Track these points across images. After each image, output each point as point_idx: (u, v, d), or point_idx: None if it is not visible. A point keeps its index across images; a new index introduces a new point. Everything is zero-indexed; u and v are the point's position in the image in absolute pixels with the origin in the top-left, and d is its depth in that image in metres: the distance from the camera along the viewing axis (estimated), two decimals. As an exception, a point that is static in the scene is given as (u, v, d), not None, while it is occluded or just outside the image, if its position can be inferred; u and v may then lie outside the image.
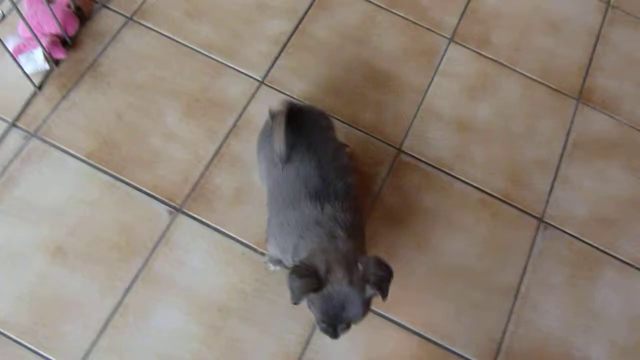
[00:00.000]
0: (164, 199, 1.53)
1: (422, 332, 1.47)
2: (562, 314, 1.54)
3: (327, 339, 1.38)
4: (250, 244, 1.50)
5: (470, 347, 1.47)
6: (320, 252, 1.14)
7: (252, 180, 1.57)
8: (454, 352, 1.46)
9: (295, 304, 1.09)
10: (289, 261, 1.23)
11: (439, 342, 1.46)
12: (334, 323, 1.14)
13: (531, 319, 1.52)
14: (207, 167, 1.58)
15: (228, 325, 1.42)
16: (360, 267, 1.11)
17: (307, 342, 1.42)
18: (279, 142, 1.24)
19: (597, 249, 1.63)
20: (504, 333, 1.50)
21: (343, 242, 1.16)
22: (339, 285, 1.08)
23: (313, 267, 1.10)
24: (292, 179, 1.25)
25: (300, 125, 1.28)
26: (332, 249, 1.15)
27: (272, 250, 1.38)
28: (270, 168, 1.31)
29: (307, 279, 1.08)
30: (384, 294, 1.10)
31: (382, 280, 1.11)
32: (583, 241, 1.63)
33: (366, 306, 1.13)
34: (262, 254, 1.49)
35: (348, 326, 1.16)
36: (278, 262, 1.44)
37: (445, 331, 1.48)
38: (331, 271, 1.09)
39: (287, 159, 1.25)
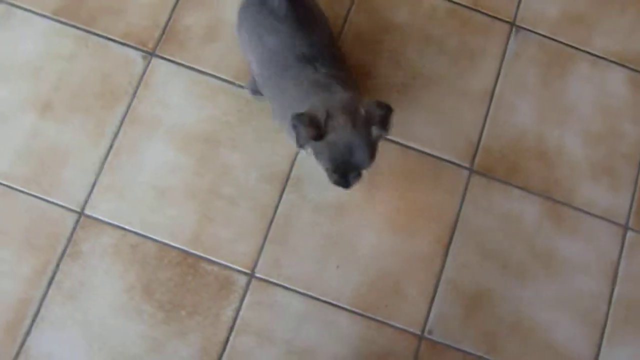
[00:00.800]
0: (136, 45, 1.55)
1: (401, 141, 1.54)
2: (537, 111, 1.60)
3: (311, 158, 1.48)
4: (228, 78, 1.54)
5: (449, 150, 1.55)
6: (320, 103, 1.15)
7: (221, 17, 1.57)
8: (435, 156, 1.55)
9: (301, 146, 1.13)
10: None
11: (419, 148, 1.54)
12: (345, 171, 1.17)
13: (506, 119, 1.59)
14: (174, 9, 1.58)
15: (217, 154, 1.50)
16: (362, 111, 1.13)
17: (293, 161, 1.51)
18: None
19: (570, 46, 1.65)
20: (481, 134, 1.57)
21: (341, 93, 1.18)
22: (342, 130, 1.11)
23: (314, 115, 1.12)
24: (279, 48, 1.24)
25: None
26: (332, 100, 1.16)
27: (284, 128, 1.40)
28: (256, 42, 1.30)
29: (307, 126, 1.10)
30: (387, 129, 1.14)
31: (385, 118, 1.14)
32: (555, 40, 1.65)
33: (373, 149, 1.16)
34: (240, 86, 1.54)
35: (359, 174, 1.20)
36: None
37: (424, 138, 1.55)
38: (332, 118, 1.11)
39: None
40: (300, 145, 1.13)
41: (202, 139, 1.50)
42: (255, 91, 1.49)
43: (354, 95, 1.20)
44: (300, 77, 1.22)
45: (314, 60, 1.22)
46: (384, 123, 1.13)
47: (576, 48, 1.64)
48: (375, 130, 1.13)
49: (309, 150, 1.19)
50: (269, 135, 1.51)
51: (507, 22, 1.64)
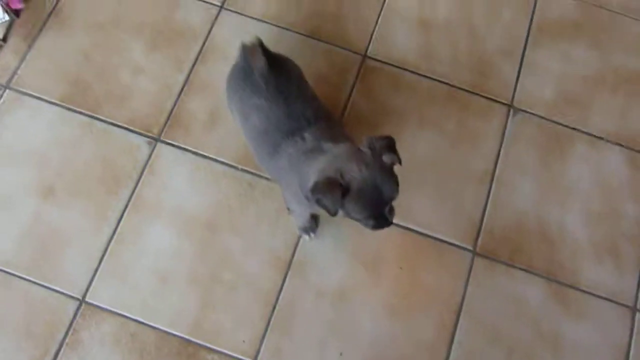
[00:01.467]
0: (141, 131, 1.58)
1: (404, 224, 1.54)
2: (537, 192, 1.61)
3: (313, 243, 1.49)
4: (230, 163, 1.56)
5: (452, 233, 1.55)
6: (325, 166, 1.15)
7: (223, 101, 1.59)
8: (437, 239, 1.54)
9: (335, 215, 1.12)
10: (309, 202, 1.21)
11: (421, 231, 1.54)
12: (380, 211, 1.16)
13: (507, 200, 1.59)
14: (178, 96, 1.62)
15: (218, 239, 1.50)
16: (365, 150, 1.13)
17: (295, 246, 1.50)
18: (259, 61, 1.25)
19: (567, 127, 1.67)
20: (482, 216, 1.57)
21: (335, 147, 1.19)
22: (361, 176, 1.10)
23: (329, 179, 1.11)
24: (266, 126, 1.26)
25: (268, 68, 1.28)
26: (331, 157, 1.16)
27: (296, 212, 1.42)
28: (243, 122, 1.33)
29: (331, 191, 1.10)
30: (398, 156, 1.14)
31: (391, 145, 1.14)
32: (553, 121, 1.67)
33: (394, 176, 1.15)
34: (243, 170, 1.56)
35: (391, 208, 1.19)
36: (309, 224, 1.48)
37: (426, 221, 1.55)
38: (345, 172, 1.11)
39: (269, 74, 1.25)
40: (334, 212, 1.11)
41: (204, 224, 1.51)
42: (307, 227, 1.49)
43: (348, 142, 1.20)
44: (291, 152, 1.22)
45: (300, 131, 1.23)
46: (391, 150, 1.13)
47: (573, 129, 1.67)
48: (386, 158, 1.13)
49: (341, 213, 1.16)
50: (270, 219, 1.52)
51: (505, 104, 1.68)
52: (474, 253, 1.54)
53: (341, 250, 1.51)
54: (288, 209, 1.47)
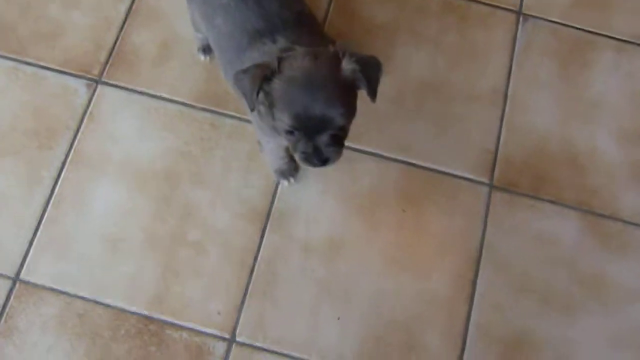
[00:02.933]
0: (78, 73, 1.32)
1: (402, 158, 1.29)
2: (559, 109, 1.36)
3: (294, 189, 1.25)
4: (187, 102, 1.31)
5: (462, 165, 1.30)
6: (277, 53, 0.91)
7: (176, 32, 1.36)
8: (445, 173, 1.29)
9: (252, 109, 0.89)
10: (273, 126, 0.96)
11: (425, 165, 1.29)
12: (311, 130, 0.88)
13: (525, 121, 1.34)
14: (121, 28, 1.36)
15: (179, 193, 1.24)
16: (330, 48, 0.88)
17: (273, 195, 1.25)
18: None
19: (587, 31, 1.42)
20: (497, 142, 1.32)
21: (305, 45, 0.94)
22: (299, 63, 0.86)
23: (263, 62, 0.88)
24: (231, 28, 1.02)
25: None
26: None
27: (265, 146, 1.17)
28: (207, 25, 1.09)
29: (254, 70, 0.87)
30: (370, 84, 0.87)
31: (365, 62, 0.87)
32: (570, 26, 1.42)
33: (347, 92, 0.87)
34: (204, 109, 1.30)
35: (336, 141, 0.90)
36: (286, 165, 1.23)
37: (430, 153, 1.30)
38: (288, 58, 0.87)
39: None
40: (252, 104, 0.87)
41: (161, 177, 1.26)
42: (284, 171, 1.24)
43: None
44: (255, 57, 0.96)
45: (272, 33, 0.97)
46: (363, 66, 0.86)
47: (595, 33, 1.42)
48: (347, 64, 0.86)
49: (262, 110, 0.92)
50: (240, 165, 1.27)
51: (512, 10, 1.43)
52: (491, 186, 1.29)
53: (329, 194, 1.26)
54: (259, 142, 1.21)
